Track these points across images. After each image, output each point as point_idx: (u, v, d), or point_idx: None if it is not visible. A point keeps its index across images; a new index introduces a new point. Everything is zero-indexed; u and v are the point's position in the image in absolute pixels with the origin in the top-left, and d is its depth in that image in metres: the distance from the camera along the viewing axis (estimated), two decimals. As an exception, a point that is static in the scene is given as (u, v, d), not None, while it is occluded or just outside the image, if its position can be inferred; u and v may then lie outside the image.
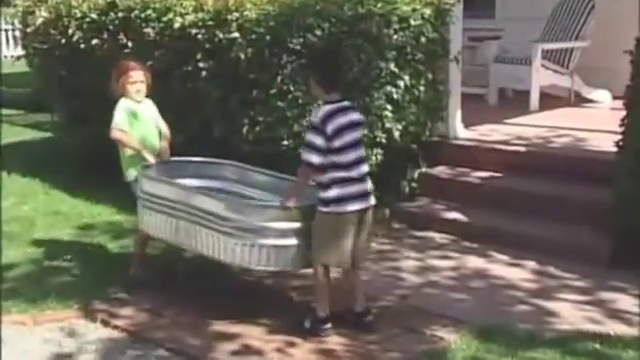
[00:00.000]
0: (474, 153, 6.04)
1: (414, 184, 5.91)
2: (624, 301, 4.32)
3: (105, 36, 6.32)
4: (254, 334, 3.93)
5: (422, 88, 5.71)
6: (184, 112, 5.82)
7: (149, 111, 4.74)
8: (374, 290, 4.33)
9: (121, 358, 3.77)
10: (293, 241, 3.88)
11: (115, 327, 4.06)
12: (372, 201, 3.93)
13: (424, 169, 5.98)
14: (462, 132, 6.37)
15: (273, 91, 5.33)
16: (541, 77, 7.51)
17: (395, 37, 5.46)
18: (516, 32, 8.02)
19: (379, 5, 5.45)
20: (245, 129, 5.45)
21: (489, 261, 4.95)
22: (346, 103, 3.92)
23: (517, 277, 4.69)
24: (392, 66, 5.47)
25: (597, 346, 3.73)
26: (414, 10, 5.62)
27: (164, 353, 3.80)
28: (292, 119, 5.31)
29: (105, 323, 4.11)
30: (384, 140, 5.50)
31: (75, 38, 6.48)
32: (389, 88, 5.49)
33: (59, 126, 7.84)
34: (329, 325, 3.89)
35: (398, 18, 5.50)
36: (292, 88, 5.29)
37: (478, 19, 8.33)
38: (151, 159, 4.56)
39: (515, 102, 7.89)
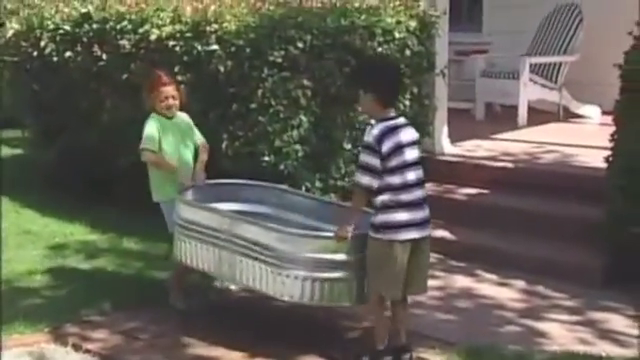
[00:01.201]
0: (461, 169, 6.08)
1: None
2: (616, 321, 4.34)
3: (79, 48, 6.30)
4: (234, 357, 3.90)
5: (407, 102, 5.75)
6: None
7: (182, 126, 4.58)
8: (358, 311, 4.32)
9: (93, 383, 3.72)
10: (347, 274, 3.73)
11: (87, 351, 4.01)
12: (428, 230, 3.70)
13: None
14: (448, 148, 6.41)
15: (253, 105, 5.34)
16: (529, 92, 7.60)
17: (379, 50, 5.50)
18: (503, 46, 8.12)
19: (362, 17, 5.50)
20: (224, 144, 5.44)
21: (476, 280, 4.96)
22: (402, 120, 3.74)
23: (506, 297, 4.70)
24: (376, 80, 5.49)
25: (588, 367, 3.74)
26: (398, 22, 5.67)
27: (138, 378, 3.76)
28: (273, 134, 5.31)
29: (76, 347, 4.06)
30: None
31: (47, 51, 6.46)
32: (373, 102, 5.50)
33: (30, 142, 7.80)
34: (389, 359, 3.72)
35: (382, 30, 5.55)
36: (273, 102, 5.30)
37: (464, 32, 8.43)
38: (187, 181, 4.39)
39: (502, 117, 7.96)
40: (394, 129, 3.64)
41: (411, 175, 3.62)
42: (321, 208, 4.35)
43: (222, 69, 5.37)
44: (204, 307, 4.47)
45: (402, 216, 3.59)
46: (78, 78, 6.34)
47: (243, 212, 4.35)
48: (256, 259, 3.83)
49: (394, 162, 3.58)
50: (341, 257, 3.72)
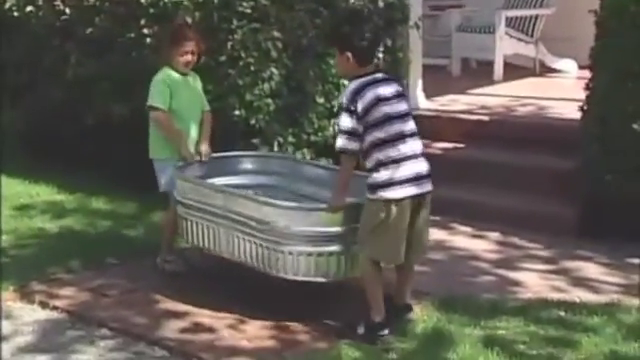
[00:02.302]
0: (435, 124, 6.05)
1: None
2: (590, 269, 4.39)
3: (40, 2, 6.15)
4: (204, 312, 3.88)
5: (380, 55, 5.68)
6: (128, 83, 5.70)
7: (194, 87, 4.43)
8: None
9: (60, 339, 3.69)
10: (341, 247, 3.59)
11: (54, 308, 3.98)
12: (428, 186, 3.50)
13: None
14: (423, 102, 6.38)
15: (223, 58, 5.25)
16: (505, 46, 7.57)
17: (351, 1, 5.42)
18: (479, -1, 8.07)
19: (334, -34, 5.41)
20: (193, 100, 5.35)
21: (451, 233, 4.98)
22: (380, 75, 3.54)
23: (480, 248, 4.73)
24: (349, 31, 5.43)
25: (562, 313, 3.78)
26: (371, -28, 5.59)
27: (107, 332, 3.74)
28: (244, 88, 5.24)
29: (43, 304, 4.03)
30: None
31: (7, 5, 6.30)
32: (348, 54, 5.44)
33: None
34: (386, 331, 3.50)
35: (354, -19, 5.47)
36: (243, 54, 5.22)
37: (439, -14, 8.35)
38: (188, 154, 4.24)
39: (479, 73, 7.94)
40: (370, 84, 3.47)
41: (397, 128, 3.42)
42: (332, 176, 4.10)
43: (190, 20, 5.27)
44: (183, 268, 4.40)
45: (394, 173, 3.38)
46: (41, 34, 6.20)
47: (246, 185, 4.25)
48: (251, 235, 3.73)
49: (374, 117, 3.40)
50: (335, 229, 3.57)
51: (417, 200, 3.48)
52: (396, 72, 5.95)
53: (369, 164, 3.46)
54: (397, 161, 3.42)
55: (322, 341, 3.59)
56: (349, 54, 3.52)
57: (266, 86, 5.24)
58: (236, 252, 3.85)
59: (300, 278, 3.67)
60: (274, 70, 5.25)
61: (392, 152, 3.42)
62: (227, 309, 3.86)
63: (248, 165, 4.47)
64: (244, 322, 3.77)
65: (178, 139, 4.30)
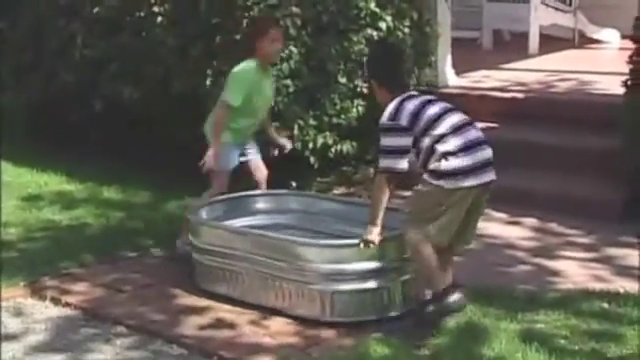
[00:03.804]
0: (467, 102, 5.97)
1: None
2: (635, 257, 4.37)
3: (45, -20, 6.21)
4: (224, 307, 3.93)
5: (407, 30, 5.68)
6: (138, 65, 5.75)
7: (270, 81, 4.62)
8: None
9: (74, 337, 3.76)
10: (377, 283, 3.69)
11: (67, 304, 4.04)
12: (493, 174, 3.60)
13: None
14: (453, 79, 6.36)
15: (239, 37, 5.27)
16: (541, 16, 7.51)
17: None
18: (512, -34, 8.00)
19: None
20: (208, 81, 5.38)
21: (485, 219, 4.91)
22: (413, 92, 3.79)
23: (516, 235, 4.72)
24: (372, 5, 5.43)
25: (605, 305, 3.77)
26: (396, -59, 5.56)
27: (123, 330, 3.80)
28: (261, 68, 5.25)
29: (55, 301, 4.09)
30: (365, 90, 5.47)
31: (10, -17, 6.37)
32: (369, 30, 5.45)
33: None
34: (456, 295, 3.57)
35: (379, -49, 5.45)
36: (260, 33, 5.22)
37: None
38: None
39: (512, 45, 7.90)
40: (405, 99, 3.66)
41: (451, 120, 3.57)
42: (348, 210, 4.27)
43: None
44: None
45: (464, 161, 3.49)
46: (46, 13, 6.26)
47: (262, 226, 4.30)
48: (275, 276, 3.79)
49: (425, 120, 3.56)
50: (368, 265, 3.67)
51: (481, 188, 3.58)
52: (424, 47, 5.95)
53: (434, 159, 3.53)
54: (465, 149, 3.52)
55: (348, 337, 3.62)
56: (377, 84, 3.79)
57: (285, 66, 5.25)
58: (263, 297, 3.87)
59: (337, 319, 3.71)
60: (293, 49, 5.25)
61: (459, 141, 3.53)
62: (249, 303, 3.90)
63: (262, 204, 4.50)
64: (266, 318, 3.81)
65: (214, 139, 4.42)
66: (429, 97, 3.75)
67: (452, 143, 3.51)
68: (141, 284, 4.25)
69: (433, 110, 3.60)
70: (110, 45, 5.90)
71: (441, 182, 3.51)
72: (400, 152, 3.57)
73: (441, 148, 3.51)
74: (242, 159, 4.56)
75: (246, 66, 4.44)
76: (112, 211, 5.30)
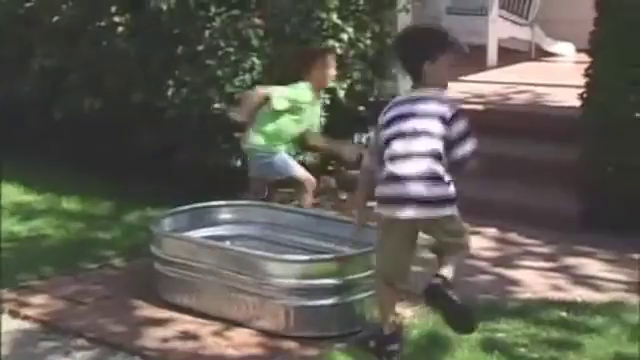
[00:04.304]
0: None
1: (362, 150, 5.92)
2: (592, 266, 4.45)
3: (4, -11, 6.13)
4: (187, 318, 3.91)
5: (368, 42, 5.73)
6: (98, 74, 5.71)
7: (319, 108, 4.82)
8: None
9: (33, 351, 3.69)
10: (341, 299, 3.68)
11: (26, 317, 3.97)
12: (434, 212, 3.33)
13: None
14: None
15: (201, 47, 5.27)
16: (499, 29, 7.62)
17: (336, -15, 5.45)
18: (470, -21, 8.11)
19: (318, -52, 5.43)
20: (170, 91, 5.37)
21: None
22: (419, 94, 3.48)
23: (477, 246, 4.72)
24: (334, 17, 5.47)
25: (563, 314, 3.83)
26: (357, -46, 5.61)
27: (83, 343, 3.74)
28: (224, 79, 5.26)
29: (14, 314, 4.02)
30: (327, 101, 5.50)
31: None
32: (331, 42, 5.48)
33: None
34: (396, 346, 3.51)
35: (340, -37, 5.49)
36: (222, 43, 5.24)
37: (428, -34, 8.38)
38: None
39: (471, 58, 7.91)
40: (399, 103, 3.52)
41: (395, 147, 3.37)
42: (316, 223, 4.27)
43: (164, 7, 5.27)
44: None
45: (393, 190, 3.35)
46: (3, 22, 6.18)
47: (225, 237, 4.30)
48: (238, 289, 3.78)
49: (384, 136, 3.43)
50: (332, 281, 3.67)
51: (414, 224, 3.40)
52: (385, 59, 6.00)
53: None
54: (391, 179, 3.37)
55: (312, 348, 3.63)
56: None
57: (247, 77, 5.26)
58: (226, 310, 3.85)
59: (300, 334, 3.69)
60: (255, 60, 5.27)
61: (389, 170, 3.39)
62: (212, 315, 3.88)
63: (226, 215, 4.48)
64: (230, 329, 3.79)
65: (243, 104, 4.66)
66: (413, 108, 3.43)
67: (386, 171, 3.37)
68: (102, 296, 4.20)
69: (395, 129, 3.40)
70: (70, 55, 5.85)
71: (377, 209, 3.45)
72: (370, 148, 3.67)
73: (381, 171, 3.41)
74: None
75: (302, 85, 4.61)
76: (72, 222, 5.24)
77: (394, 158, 3.39)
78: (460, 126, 3.42)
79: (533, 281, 4.28)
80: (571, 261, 4.52)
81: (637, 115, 4.59)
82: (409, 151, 3.37)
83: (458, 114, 3.44)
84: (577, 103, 5.08)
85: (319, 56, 4.69)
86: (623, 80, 4.62)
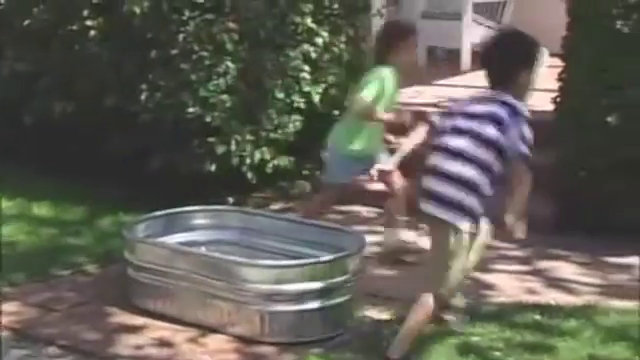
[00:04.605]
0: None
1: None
2: (565, 269, 4.50)
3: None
4: (162, 325, 3.88)
5: (342, 46, 5.75)
6: (71, 78, 5.67)
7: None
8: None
9: (4, 359, 3.65)
10: (316, 304, 3.69)
11: (-4, 325, 3.94)
12: (442, 214, 3.39)
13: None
14: (389, 95, 6.43)
15: (175, 51, 5.25)
16: (472, 33, 7.68)
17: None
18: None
19: (292, -48, 5.44)
20: (144, 96, 5.35)
21: (421, 234, 5.04)
22: (484, 94, 3.57)
23: (452, 249, 4.80)
24: (309, 21, 5.49)
25: (537, 317, 3.87)
26: (331, -41, 5.64)
27: (56, 350, 3.71)
28: (198, 83, 5.24)
29: (-15, 322, 3.98)
30: (302, 105, 5.52)
31: None
32: (306, 46, 5.50)
33: None
34: None
35: (314, -33, 5.51)
36: (197, 47, 5.22)
37: (403, -30, 8.44)
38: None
39: (445, 62, 8.04)
40: (466, 102, 3.63)
41: (439, 140, 3.48)
42: (290, 228, 4.26)
43: (137, 11, 5.25)
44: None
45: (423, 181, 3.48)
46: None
47: (200, 242, 4.27)
48: (214, 295, 3.76)
49: (445, 125, 3.52)
50: (307, 286, 3.68)
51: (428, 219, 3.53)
52: (360, 63, 6.02)
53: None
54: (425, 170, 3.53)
55: (288, 353, 3.63)
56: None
57: (221, 81, 5.25)
58: (201, 316, 3.83)
59: (275, 340, 3.69)
60: (230, 64, 5.26)
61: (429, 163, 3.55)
62: (187, 322, 3.86)
63: (201, 220, 4.45)
64: (205, 335, 3.78)
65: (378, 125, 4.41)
66: (468, 109, 3.53)
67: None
68: (74, 303, 4.17)
69: (447, 123, 3.52)
70: (41, 59, 5.80)
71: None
72: None
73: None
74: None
75: (379, 74, 4.31)
76: (44, 228, 5.19)
77: (441, 151, 3.43)
78: (518, 131, 3.48)
79: (508, 285, 4.31)
80: (545, 264, 4.57)
81: (609, 119, 4.64)
82: (458, 149, 3.40)
83: (519, 120, 3.49)
84: (550, 107, 5.14)
85: (395, 31, 4.34)
86: (595, 84, 4.67)
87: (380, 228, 5.09)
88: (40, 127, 5.86)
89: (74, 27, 5.57)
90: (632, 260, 4.34)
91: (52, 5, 5.67)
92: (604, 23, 4.56)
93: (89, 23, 5.50)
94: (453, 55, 7.77)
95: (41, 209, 5.54)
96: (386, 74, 4.37)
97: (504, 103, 3.48)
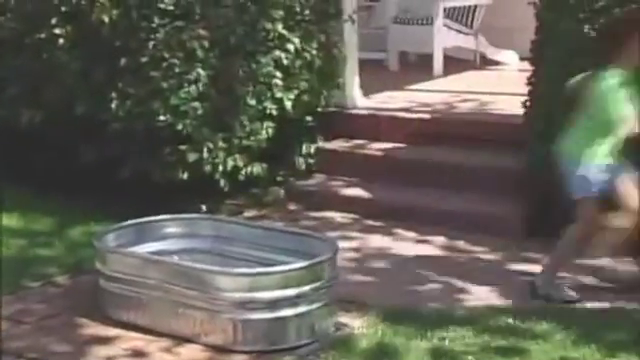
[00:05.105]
0: (374, 123, 6.17)
1: (310, 160, 5.97)
2: (536, 272, 4.53)
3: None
4: (135, 335, 3.87)
5: (314, 52, 5.77)
6: (38, 87, 5.63)
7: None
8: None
9: (-27, 374, 3.63)
10: (289, 312, 3.69)
11: (-35, 339, 3.90)
12: None
13: (321, 143, 6.05)
14: (361, 101, 6.48)
15: (144, 59, 5.24)
16: (444, 38, 7.74)
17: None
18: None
19: (262, -41, 5.45)
20: (114, 104, 5.33)
21: (395, 239, 5.08)
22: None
23: (425, 254, 4.84)
24: (280, 27, 5.49)
25: (510, 320, 3.91)
26: (301, -36, 5.65)
27: (26, 364, 3.69)
28: (168, 91, 5.23)
29: (-48, 336, 3.93)
30: (275, 112, 5.53)
31: None
32: (277, 53, 5.51)
33: None
34: None
35: (284, -27, 5.53)
36: (167, 55, 5.22)
37: (373, -24, 8.48)
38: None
39: (418, 67, 8.10)
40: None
41: None
42: (263, 235, 4.27)
43: (106, 19, 5.23)
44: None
45: None
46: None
47: (171, 251, 4.25)
48: (186, 305, 3.76)
49: None
50: (280, 293, 3.69)
51: None
52: (332, 69, 6.05)
53: None
54: None
55: (262, 362, 3.64)
56: None
57: (192, 88, 5.25)
58: (174, 325, 3.83)
59: (248, 348, 3.69)
60: (201, 71, 5.26)
61: None
62: (160, 332, 3.85)
63: (173, 229, 4.44)
64: (178, 345, 3.77)
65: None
66: None
67: None
68: (45, 315, 4.14)
69: None
70: (9, 67, 5.75)
71: None
72: None
73: None
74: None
75: (611, 79, 3.81)
76: (13, 239, 5.13)
77: None
78: None
79: (480, 288, 4.35)
80: (517, 268, 4.61)
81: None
82: None
83: None
84: (521, 111, 5.20)
85: (625, 24, 3.82)
86: (563, 88, 4.72)
87: (356, 234, 5.13)
88: (7, 136, 5.80)
89: (42, 35, 5.53)
90: (602, 262, 4.39)
91: (20, 13, 5.64)
92: (571, 27, 4.62)
93: (57, 31, 5.46)
94: (426, 60, 7.82)
95: (10, 220, 5.48)
96: (620, 80, 3.92)
97: None
